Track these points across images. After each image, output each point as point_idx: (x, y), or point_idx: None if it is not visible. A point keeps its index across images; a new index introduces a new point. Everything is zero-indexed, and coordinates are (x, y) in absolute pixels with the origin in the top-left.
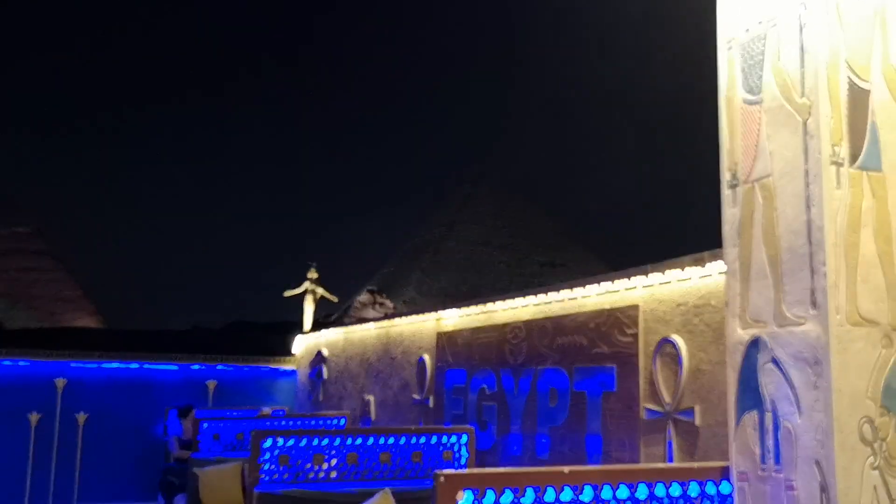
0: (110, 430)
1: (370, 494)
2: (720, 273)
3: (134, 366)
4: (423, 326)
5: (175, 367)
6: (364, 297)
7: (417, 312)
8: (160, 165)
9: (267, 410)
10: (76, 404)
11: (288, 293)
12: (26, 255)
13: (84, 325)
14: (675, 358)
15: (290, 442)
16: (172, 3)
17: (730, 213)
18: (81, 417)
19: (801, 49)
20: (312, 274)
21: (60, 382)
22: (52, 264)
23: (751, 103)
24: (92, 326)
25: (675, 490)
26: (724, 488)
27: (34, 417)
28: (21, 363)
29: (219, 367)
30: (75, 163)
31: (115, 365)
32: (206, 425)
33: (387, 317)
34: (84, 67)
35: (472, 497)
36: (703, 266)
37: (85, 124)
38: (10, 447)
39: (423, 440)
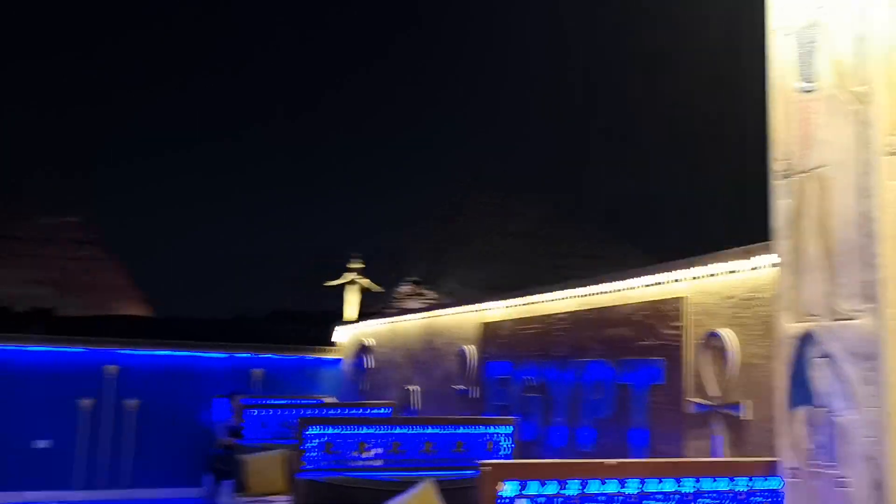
0: (160, 417)
1: (413, 483)
2: (770, 265)
3: (183, 353)
4: (466, 318)
5: (223, 356)
6: (406, 288)
7: (459, 304)
8: (208, 160)
9: (329, 399)
10: (126, 391)
11: (329, 283)
12: (76, 244)
13: (133, 313)
14: (723, 351)
15: (335, 430)
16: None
17: (781, 205)
18: (132, 404)
19: (859, 36)
20: (355, 264)
21: (111, 369)
22: (102, 253)
23: (804, 91)
24: (141, 315)
25: (723, 484)
26: (773, 483)
27: (85, 404)
28: (72, 350)
29: (264, 355)
30: (126, 158)
31: (164, 352)
32: (253, 413)
33: (431, 308)
34: (131, 73)
35: (516, 487)
36: (752, 259)
37: (138, 124)
38: (61, 434)
39: (466, 430)
